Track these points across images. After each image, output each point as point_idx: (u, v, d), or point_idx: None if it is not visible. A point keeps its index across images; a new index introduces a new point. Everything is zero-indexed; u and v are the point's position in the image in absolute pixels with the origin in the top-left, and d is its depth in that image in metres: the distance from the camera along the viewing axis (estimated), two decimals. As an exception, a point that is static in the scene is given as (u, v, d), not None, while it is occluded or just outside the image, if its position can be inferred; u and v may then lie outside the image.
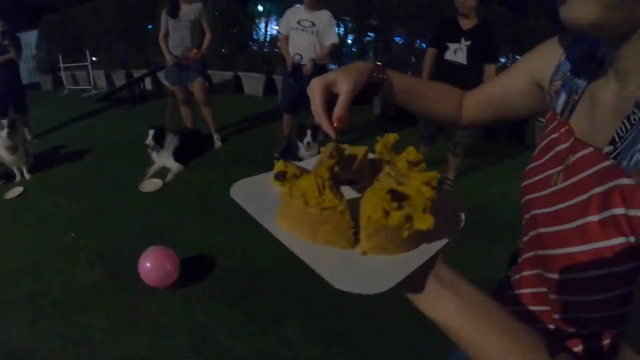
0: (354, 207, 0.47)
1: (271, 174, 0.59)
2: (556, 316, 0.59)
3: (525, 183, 0.67)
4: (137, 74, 8.88)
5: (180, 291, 3.05)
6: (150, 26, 9.27)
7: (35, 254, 3.65)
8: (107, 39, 9.65)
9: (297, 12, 4.33)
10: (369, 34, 8.14)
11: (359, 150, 0.61)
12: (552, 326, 0.61)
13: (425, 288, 0.46)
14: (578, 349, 0.57)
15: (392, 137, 0.62)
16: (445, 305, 0.46)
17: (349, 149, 0.62)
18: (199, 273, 3.22)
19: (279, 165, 0.58)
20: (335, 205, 0.45)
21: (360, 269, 0.44)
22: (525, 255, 0.68)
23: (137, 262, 2.98)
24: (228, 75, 8.50)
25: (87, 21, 9.90)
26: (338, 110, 0.61)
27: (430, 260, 0.45)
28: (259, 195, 0.56)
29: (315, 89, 0.62)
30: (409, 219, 0.43)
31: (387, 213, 0.43)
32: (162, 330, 2.76)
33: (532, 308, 0.65)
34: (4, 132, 4.66)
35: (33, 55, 10.47)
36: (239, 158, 5.15)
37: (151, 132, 4.46)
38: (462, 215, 0.53)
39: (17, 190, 4.77)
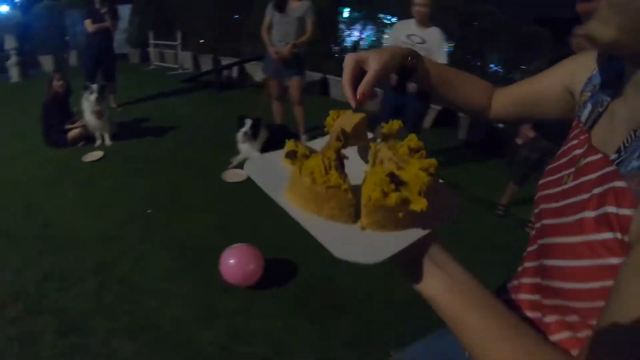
0: (356, 187, 0.56)
1: (282, 152, 0.66)
2: (547, 319, 0.66)
3: (541, 182, 0.76)
4: (224, 60, 9.20)
5: (259, 294, 2.96)
6: (237, 15, 9.74)
7: (107, 224, 3.72)
8: (197, 22, 10.10)
9: (408, 26, 4.33)
10: (467, 56, 8.09)
11: (357, 117, 0.70)
12: (542, 330, 0.66)
13: (418, 266, 0.54)
14: (559, 337, 0.64)
15: (396, 124, 0.70)
16: (435, 283, 0.53)
17: (348, 114, 0.72)
18: (280, 278, 3.13)
19: (289, 145, 0.64)
20: (339, 184, 0.54)
21: (358, 242, 0.52)
22: (526, 264, 0.76)
23: (217, 255, 2.94)
24: (316, 76, 8.68)
25: (180, 2, 10.42)
26: (362, 85, 0.71)
27: (424, 240, 0.53)
28: (270, 171, 0.65)
29: (347, 64, 0.73)
30: (405, 200, 0.51)
31: (385, 194, 0.51)
32: (236, 333, 2.66)
33: (527, 313, 0.71)
34: (93, 97, 4.97)
35: (124, 29, 11.11)
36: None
37: (249, 122, 4.47)
38: (458, 203, 0.61)
39: (97, 154, 4.99)
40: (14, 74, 8.57)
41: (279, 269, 3.19)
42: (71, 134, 5.20)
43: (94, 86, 5.07)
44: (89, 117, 5.06)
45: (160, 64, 10.29)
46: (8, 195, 4.25)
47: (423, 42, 4.20)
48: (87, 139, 5.28)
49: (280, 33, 4.95)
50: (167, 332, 2.65)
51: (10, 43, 8.50)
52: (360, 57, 0.73)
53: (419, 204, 0.51)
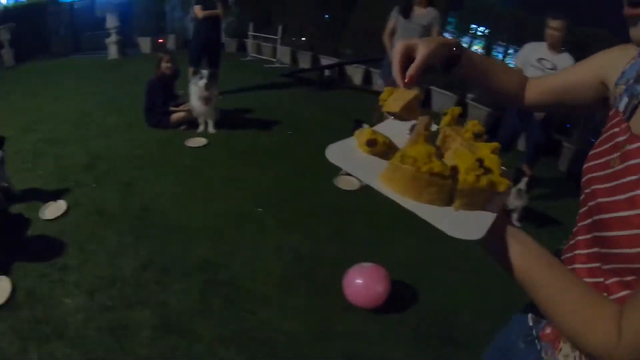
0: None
1: (352, 139, 0.81)
2: (607, 282, 0.75)
3: (586, 165, 0.85)
4: (323, 59, 9.38)
5: (379, 318, 2.78)
6: (327, 16, 9.94)
7: (214, 218, 3.66)
8: (297, 19, 10.24)
9: (539, 49, 4.26)
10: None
11: (410, 94, 0.81)
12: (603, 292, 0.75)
13: (501, 239, 0.69)
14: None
15: (456, 110, 0.84)
16: (516, 252, 0.69)
17: (401, 91, 0.83)
18: (401, 302, 2.92)
19: (368, 133, 0.77)
20: (443, 171, 0.64)
21: (459, 222, 0.64)
22: (578, 237, 0.86)
23: (333, 267, 2.88)
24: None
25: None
26: (410, 69, 0.84)
27: (501, 216, 0.68)
28: (353, 159, 0.76)
29: (397, 50, 0.86)
30: (491, 182, 0.64)
31: (477, 178, 0.63)
32: (354, 357, 2.50)
33: (586, 280, 0.77)
34: (202, 82, 5.06)
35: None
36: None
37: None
38: (510, 178, 0.70)
39: (201, 140, 5.05)
40: (112, 51, 9.19)
41: (400, 293, 2.97)
42: (174, 116, 5.31)
43: (204, 72, 5.17)
44: (196, 103, 5.16)
45: (257, 55, 10.47)
46: (106, 172, 4.35)
47: (554, 67, 4.12)
48: (190, 123, 5.37)
49: (404, 40, 4.75)
50: (281, 347, 2.50)
51: (111, 22, 9.07)
52: (410, 44, 0.85)
53: (503, 184, 0.65)
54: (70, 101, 6.53)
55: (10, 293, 2.88)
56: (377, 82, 7.99)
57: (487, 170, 0.65)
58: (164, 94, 5.33)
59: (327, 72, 8.85)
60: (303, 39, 10.27)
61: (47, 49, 9.75)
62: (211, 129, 5.30)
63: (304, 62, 9.89)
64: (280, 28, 9.99)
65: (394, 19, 4.90)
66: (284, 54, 10.21)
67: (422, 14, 4.77)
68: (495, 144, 0.69)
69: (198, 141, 5.00)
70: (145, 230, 3.48)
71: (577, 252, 0.85)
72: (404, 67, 0.85)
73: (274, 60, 10.07)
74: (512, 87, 1.05)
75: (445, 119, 0.84)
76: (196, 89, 5.11)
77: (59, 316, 2.64)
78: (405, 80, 0.84)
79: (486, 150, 0.68)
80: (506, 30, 7.91)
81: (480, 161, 0.64)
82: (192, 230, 3.48)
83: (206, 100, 5.10)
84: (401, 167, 0.65)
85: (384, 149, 0.77)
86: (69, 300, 2.81)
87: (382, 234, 3.57)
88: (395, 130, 0.84)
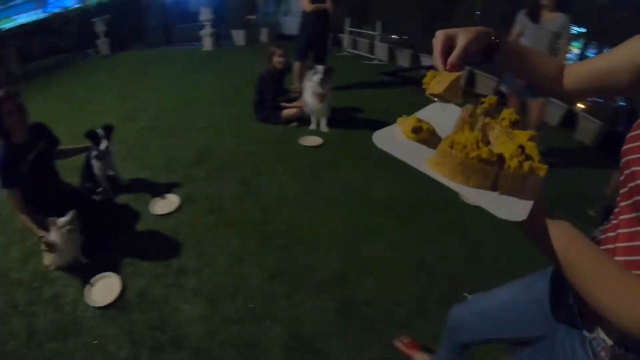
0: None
1: (395, 126, 0.86)
2: None
3: (625, 147, 0.86)
4: (423, 58, 8.90)
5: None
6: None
7: (342, 228, 3.26)
8: (397, 15, 9.92)
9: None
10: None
11: (452, 76, 0.84)
12: None
13: (541, 222, 0.74)
14: None
15: (493, 99, 0.87)
16: (556, 234, 0.73)
17: (444, 74, 0.86)
18: None
19: (412, 120, 0.83)
20: (490, 157, 0.70)
21: (504, 204, 0.70)
22: (621, 217, 0.88)
23: (472, 289, 2.53)
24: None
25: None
26: (451, 57, 0.87)
27: (540, 200, 0.73)
28: (399, 145, 0.81)
29: (438, 38, 0.89)
30: (531, 168, 0.70)
31: (520, 164, 0.69)
32: None
33: (626, 258, 0.83)
34: (317, 77, 4.71)
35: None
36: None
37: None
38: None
39: (316, 140, 4.70)
40: (206, 43, 9.47)
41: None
42: (286, 112, 5.03)
43: (320, 67, 4.84)
44: (309, 99, 4.83)
45: (353, 51, 10.12)
46: (218, 167, 4.08)
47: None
48: (301, 120, 5.07)
49: (531, 46, 4.28)
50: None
51: (205, 14, 9.23)
52: (451, 33, 0.89)
53: (543, 170, 0.70)
54: (170, 91, 6.46)
55: (120, 292, 2.70)
56: (483, 85, 7.55)
57: (528, 157, 0.71)
58: (274, 88, 5.09)
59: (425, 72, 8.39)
60: (404, 37, 9.82)
61: (141, 40, 10.32)
62: (324, 128, 4.94)
63: (403, 60, 9.45)
64: (379, 24, 9.60)
65: (521, 23, 4.54)
66: (381, 51, 9.80)
67: (551, 18, 4.38)
68: (531, 132, 0.75)
69: (313, 140, 4.65)
70: (270, 235, 3.15)
71: (619, 231, 0.88)
72: (445, 55, 0.88)
73: (372, 56, 9.70)
74: (550, 75, 1.06)
75: (482, 107, 0.86)
76: (311, 84, 4.77)
77: (177, 324, 2.47)
78: (447, 68, 0.87)
79: (524, 138, 0.74)
80: (606, 31, 7.26)
81: (522, 148, 0.71)
82: (320, 239, 3.11)
83: (321, 97, 4.76)
84: (450, 153, 0.72)
85: (427, 136, 0.83)
86: (187, 307, 2.57)
87: (512, 256, 3.01)
88: (435, 117, 0.89)
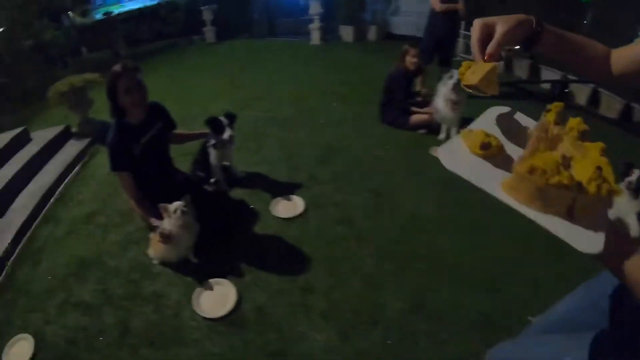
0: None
1: (458, 140, 0.81)
2: None
3: None
4: (544, 70, 8.05)
5: None
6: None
7: (489, 264, 2.66)
8: None
9: None
10: None
11: (488, 66, 0.81)
12: None
13: (624, 246, 0.71)
14: None
15: (559, 106, 0.84)
16: (627, 265, 0.69)
17: (480, 64, 0.84)
18: None
19: (480, 135, 0.78)
20: (572, 183, 0.65)
21: (582, 234, 0.66)
22: None
23: None
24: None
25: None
26: (490, 46, 0.83)
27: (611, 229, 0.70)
28: (468, 165, 0.76)
29: (475, 27, 0.85)
30: (610, 190, 0.66)
31: (599, 187, 0.65)
32: None
33: None
34: (451, 83, 4.07)
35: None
36: None
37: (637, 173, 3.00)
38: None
39: None
40: (314, 37, 9.27)
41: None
42: (415, 117, 4.52)
43: (455, 71, 4.20)
44: (442, 105, 4.24)
45: (466, 56, 9.48)
46: (345, 171, 3.65)
47: None
48: (429, 127, 4.52)
49: None
50: None
51: (314, 8, 9.08)
52: (489, 21, 0.85)
53: (619, 192, 0.67)
54: (282, 82, 6.21)
55: (234, 303, 2.37)
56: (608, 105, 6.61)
57: (605, 179, 0.67)
58: (404, 90, 4.63)
59: (547, 86, 7.65)
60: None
61: (245, 30, 10.56)
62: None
63: (520, 70, 8.68)
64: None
65: None
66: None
67: None
68: (601, 144, 0.73)
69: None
70: (410, 260, 2.66)
71: None
72: (484, 44, 0.84)
73: (486, 63, 9.07)
74: (596, 61, 1.00)
75: (550, 117, 0.84)
76: (444, 90, 4.19)
77: (300, 353, 2.13)
78: (485, 58, 0.84)
79: (595, 152, 0.73)
80: None
81: (599, 169, 0.67)
82: (465, 272, 2.58)
83: (454, 105, 4.17)
84: (529, 178, 0.67)
85: (496, 152, 0.79)
86: (314, 334, 2.19)
87: None
88: (497, 125, 0.89)
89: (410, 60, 4.55)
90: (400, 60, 4.63)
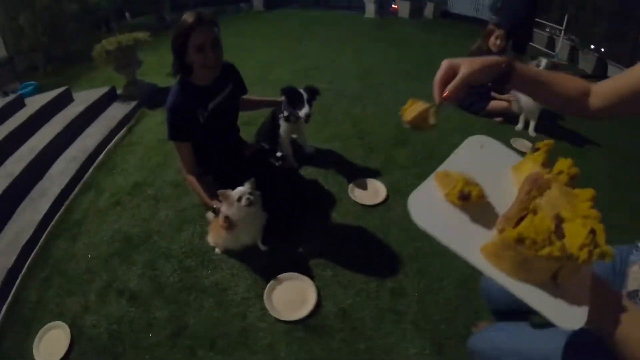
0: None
1: (431, 184, 0.78)
2: None
3: None
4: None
5: None
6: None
7: None
8: (587, 8, 8.53)
9: None
10: None
11: (425, 105, 0.83)
12: None
13: (613, 308, 0.71)
14: None
15: (549, 144, 0.84)
16: (625, 318, 0.69)
17: (420, 104, 0.84)
18: None
19: (459, 182, 0.72)
20: (564, 255, 0.61)
21: (564, 309, 0.63)
22: None
23: None
24: None
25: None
26: (447, 88, 0.84)
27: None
28: (443, 220, 0.71)
29: (442, 66, 0.86)
30: (599, 254, 0.62)
31: (590, 253, 0.61)
32: None
33: None
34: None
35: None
36: None
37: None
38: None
39: (526, 144, 3.61)
40: (369, 10, 8.95)
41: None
42: (494, 104, 4.11)
43: (543, 60, 3.96)
44: (522, 95, 3.86)
45: (530, 43, 8.99)
46: (429, 157, 3.20)
47: None
48: (506, 116, 4.10)
49: None
50: None
51: None
52: (455, 62, 0.86)
53: (610, 256, 0.62)
54: (342, 54, 5.85)
55: (314, 305, 1.99)
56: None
57: (597, 244, 0.63)
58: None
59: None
60: (586, 43, 8.49)
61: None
62: (531, 132, 3.90)
63: (586, 64, 8.07)
64: (566, 17, 8.32)
65: None
66: (562, 48, 8.52)
67: None
68: (591, 192, 0.69)
69: (523, 144, 3.60)
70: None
71: None
72: (445, 84, 0.85)
73: (552, 53, 8.46)
74: (572, 97, 0.99)
75: (537, 157, 0.83)
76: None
77: None
78: (443, 96, 0.84)
79: (586, 205, 0.68)
80: None
81: (593, 233, 0.63)
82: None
83: (537, 104, 3.79)
84: (515, 248, 0.63)
85: (476, 201, 0.73)
86: (409, 346, 1.85)
87: None
88: (475, 160, 0.86)
89: (494, 42, 4.15)
90: (484, 40, 4.23)
